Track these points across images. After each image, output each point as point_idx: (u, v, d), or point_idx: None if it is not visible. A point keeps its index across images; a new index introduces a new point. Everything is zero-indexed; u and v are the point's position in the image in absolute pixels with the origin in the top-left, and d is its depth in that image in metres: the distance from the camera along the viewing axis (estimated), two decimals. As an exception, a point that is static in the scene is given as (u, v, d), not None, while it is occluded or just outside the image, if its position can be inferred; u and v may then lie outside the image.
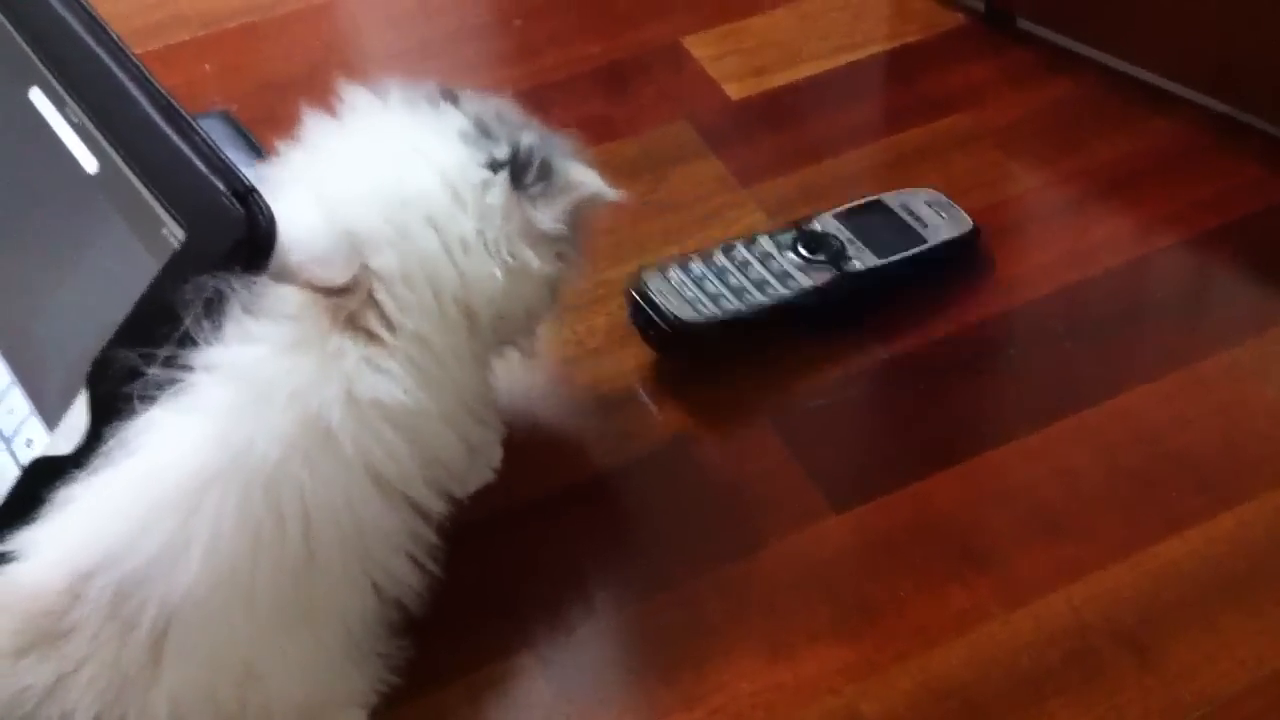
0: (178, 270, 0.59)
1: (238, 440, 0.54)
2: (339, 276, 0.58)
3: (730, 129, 0.92)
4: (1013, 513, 0.71)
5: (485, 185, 0.61)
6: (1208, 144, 0.89)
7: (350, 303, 0.58)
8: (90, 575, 0.53)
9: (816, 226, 0.81)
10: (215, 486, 0.54)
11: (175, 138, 0.61)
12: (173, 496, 0.54)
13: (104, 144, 0.64)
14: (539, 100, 0.93)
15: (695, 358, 0.77)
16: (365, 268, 0.58)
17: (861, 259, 0.79)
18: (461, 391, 0.62)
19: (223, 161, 0.60)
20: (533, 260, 0.62)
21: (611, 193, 0.64)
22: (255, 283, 0.57)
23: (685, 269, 0.78)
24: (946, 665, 0.65)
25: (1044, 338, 0.79)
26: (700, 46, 0.98)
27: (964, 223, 0.82)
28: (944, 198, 0.84)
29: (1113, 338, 0.79)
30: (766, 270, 0.78)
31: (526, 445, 0.72)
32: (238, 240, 0.58)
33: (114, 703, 0.53)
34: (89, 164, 0.65)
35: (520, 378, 0.74)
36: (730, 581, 0.68)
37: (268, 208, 0.58)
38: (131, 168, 0.63)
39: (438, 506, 0.61)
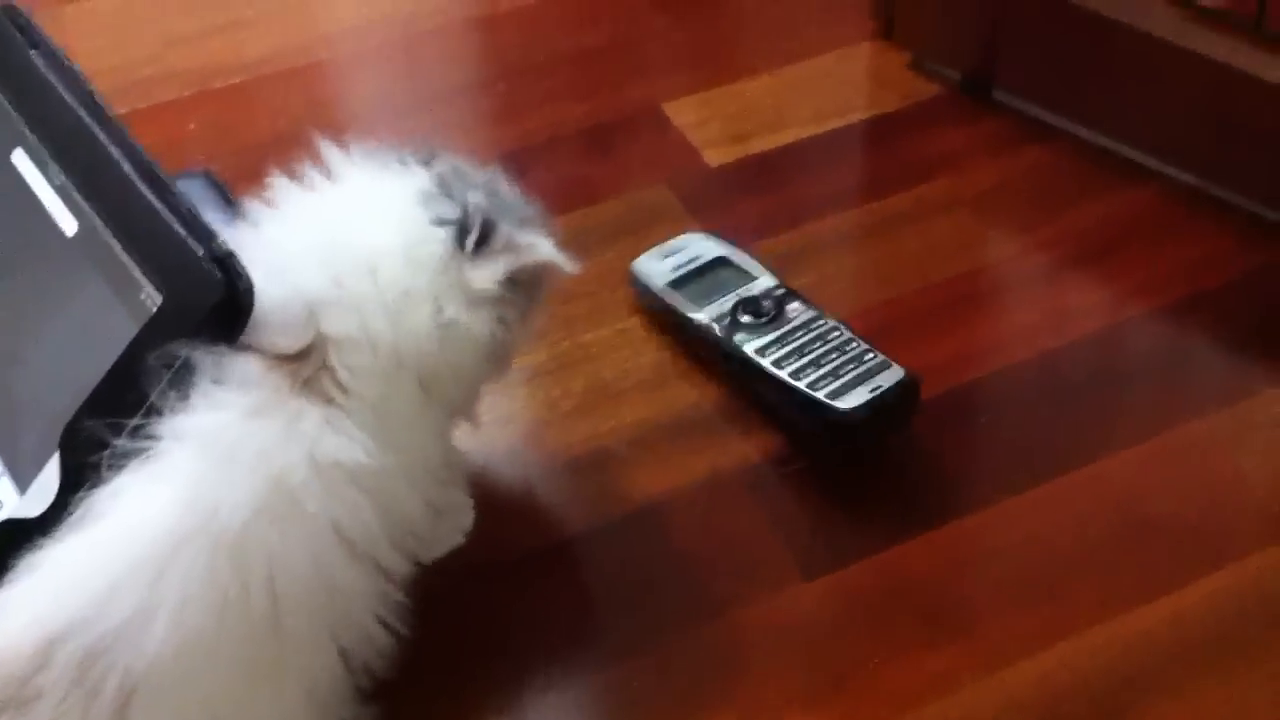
0: (155, 333, 0.59)
1: (203, 505, 0.55)
2: (294, 344, 0.58)
3: (709, 194, 0.93)
4: (986, 579, 0.71)
5: (426, 243, 0.61)
6: (1180, 215, 0.90)
7: (306, 369, 0.58)
8: (58, 640, 0.53)
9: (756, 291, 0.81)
10: (182, 551, 0.54)
11: (155, 201, 0.62)
12: (140, 561, 0.54)
13: (84, 206, 0.65)
14: (521, 162, 0.94)
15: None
16: (319, 334, 0.59)
17: (752, 344, 0.78)
18: (421, 453, 0.62)
19: (202, 225, 0.60)
20: (467, 320, 0.61)
21: (562, 261, 0.63)
22: (219, 351, 0.57)
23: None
24: (918, 733, 0.65)
25: (1018, 404, 0.80)
26: (682, 112, 0.99)
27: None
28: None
29: (1086, 404, 0.79)
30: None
31: (499, 507, 0.73)
32: (216, 304, 0.58)
33: None
34: (69, 225, 0.65)
35: (493, 439, 0.74)
36: (702, 647, 0.68)
37: (246, 273, 0.59)
38: (111, 230, 0.63)
39: (403, 568, 0.61)
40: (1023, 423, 0.79)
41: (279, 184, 0.64)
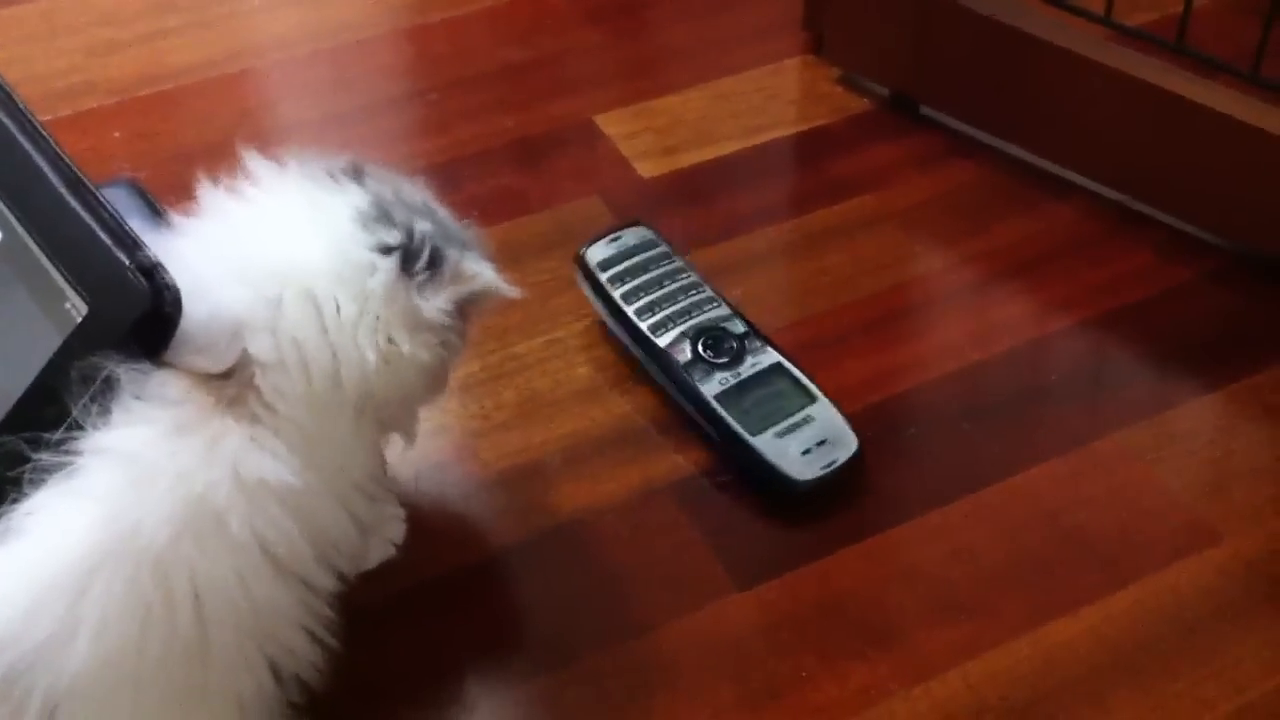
0: (80, 344, 0.58)
1: (125, 522, 0.54)
2: (219, 365, 0.58)
3: (641, 206, 0.93)
4: (914, 591, 0.72)
5: (370, 269, 0.60)
6: (1105, 229, 0.92)
7: (230, 388, 0.58)
8: None
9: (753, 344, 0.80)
10: (103, 569, 0.53)
11: (80, 210, 0.61)
12: (60, 580, 0.53)
13: (8, 215, 0.63)
14: (452, 173, 0.94)
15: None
16: (245, 353, 0.58)
17: (710, 388, 0.78)
18: (348, 470, 0.61)
19: (128, 235, 0.60)
20: (412, 348, 0.61)
21: (507, 289, 0.63)
22: (142, 366, 0.56)
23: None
24: (847, 744, 0.65)
25: (944, 417, 0.81)
26: (613, 124, 0.99)
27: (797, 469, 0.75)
28: (836, 415, 0.77)
29: (1011, 418, 0.80)
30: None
31: (430, 520, 0.72)
32: (142, 315, 0.57)
33: None
34: (-8, 234, 0.64)
35: (423, 452, 0.74)
36: (633, 659, 0.68)
37: (173, 283, 0.58)
38: (36, 239, 0.62)
39: (330, 584, 0.60)
40: (949, 436, 0.80)
41: (207, 195, 0.63)
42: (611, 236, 0.84)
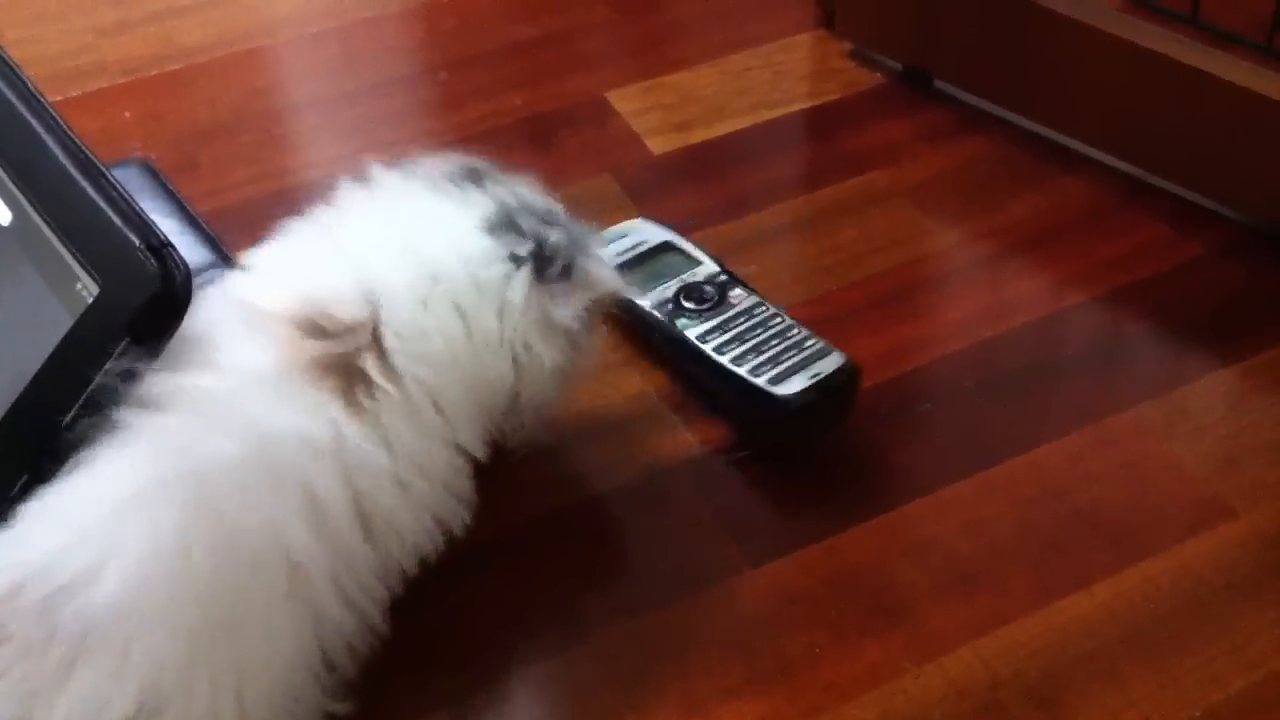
0: (91, 324, 0.59)
1: (181, 461, 0.55)
2: (350, 315, 0.59)
3: (653, 183, 0.93)
4: (926, 567, 0.72)
5: (506, 279, 0.62)
6: (1117, 203, 0.91)
7: (343, 345, 0.59)
8: (21, 587, 0.53)
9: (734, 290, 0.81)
10: (147, 503, 0.54)
11: (91, 190, 0.61)
12: (106, 512, 0.54)
13: (18, 196, 0.64)
14: (463, 151, 0.94)
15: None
16: (375, 317, 0.59)
17: (694, 330, 0.78)
18: (447, 465, 0.62)
19: (138, 215, 0.60)
20: (548, 353, 0.63)
21: (630, 290, 0.68)
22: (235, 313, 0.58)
23: None
24: (859, 720, 0.65)
25: (958, 393, 0.80)
26: (623, 101, 0.99)
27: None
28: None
29: (1024, 394, 0.80)
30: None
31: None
32: (152, 295, 0.58)
33: (24, 712, 0.53)
34: (3, 215, 0.64)
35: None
36: (644, 636, 0.68)
37: (183, 263, 0.58)
38: (46, 220, 0.62)
39: (380, 563, 0.61)
40: (961, 412, 0.79)
41: (342, 190, 0.65)
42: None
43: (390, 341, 0.60)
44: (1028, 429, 0.78)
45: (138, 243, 0.58)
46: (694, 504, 0.74)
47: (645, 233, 0.85)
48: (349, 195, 0.65)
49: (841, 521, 0.73)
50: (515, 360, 0.63)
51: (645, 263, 0.83)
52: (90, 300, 0.59)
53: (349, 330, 0.59)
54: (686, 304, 0.79)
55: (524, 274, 0.63)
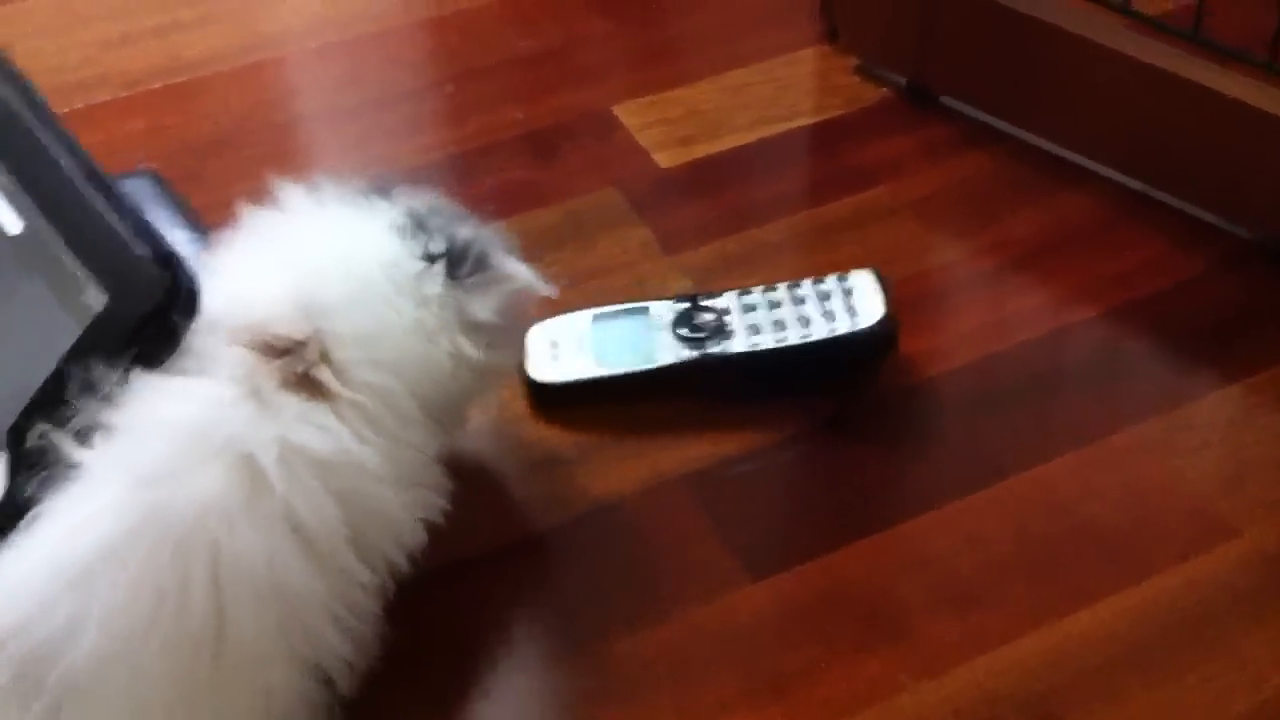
0: (99, 334, 0.59)
1: (151, 498, 0.54)
2: (297, 332, 0.59)
3: (657, 197, 0.93)
4: (926, 583, 0.72)
5: (421, 276, 0.63)
6: (1120, 219, 0.91)
7: (298, 362, 0.59)
8: (1, 645, 0.53)
9: (708, 303, 0.81)
10: (120, 551, 0.54)
11: (99, 201, 0.61)
12: (78, 565, 0.53)
13: (28, 206, 0.64)
14: (467, 166, 0.95)
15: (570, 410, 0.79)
16: (319, 330, 0.60)
17: (733, 344, 0.79)
18: (414, 462, 0.63)
19: (146, 226, 0.60)
20: (468, 349, 0.64)
21: (544, 287, 0.67)
22: (192, 340, 0.58)
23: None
24: (857, 736, 0.65)
25: (959, 408, 0.80)
26: (627, 115, 0.99)
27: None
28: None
29: (1026, 410, 0.80)
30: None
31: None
32: (160, 305, 0.58)
33: None
34: (12, 225, 0.64)
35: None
36: (643, 649, 0.68)
37: (191, 273, 0.59)
38: (54, 230, 0.62)
39: (370, 575, 0.61)
40: (962, 428, 0.80)
41: (248, 215, 0.65)
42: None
43: (338, 351, 0.60)
44: (1029, 445, 0.78)
45: (145, 252, 0.58)
46: (694, 517, 0.74)
47: (570, 324, 0.81)
48: (257, 216, 0.65)
49: (841, 536, 0.73)
50: (446, 355, 0.64)
51: (611, 340, 0.81)
52: (98, 310, 0.59)
53: (299, 345, 0.59)
54: (695, 334, 0.79)
55: (438, 270, 0.64)
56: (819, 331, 0.79)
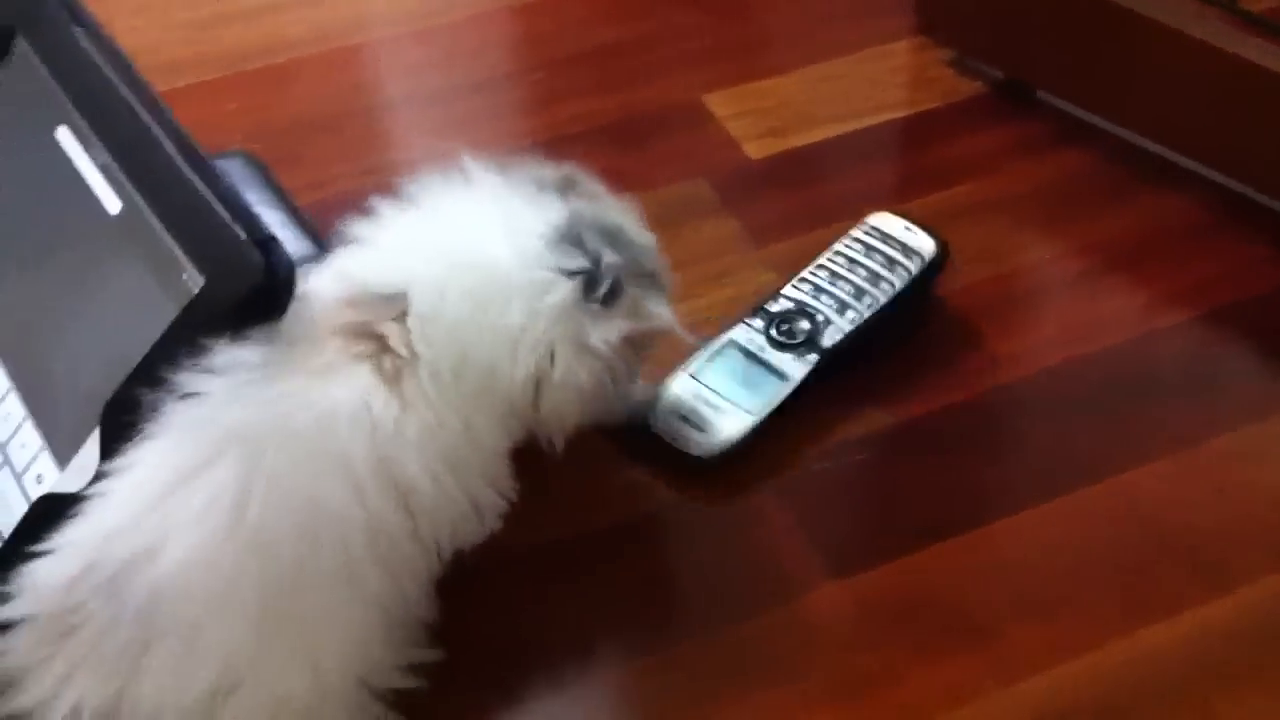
0: (196, 314, 0.60)
1: (227, 432, 0.57)
2: (379, 318, 0.60)
3: (746, 188, 0.93)
4: (1010, 587, 0.71)
5: (546, 288, 0.62)
6: (1218, 221, 0.90)
7: (373, 311, 0.60)
8: (93, 563, 0.55)
9: (778, 307, 0.81)
10: (201, 480, 0.56)
11: (198, 182, 0.62)
12: (159, 487, 0.56)
13: (127, 186, 0.65)
14: (555, 153, 0.93)
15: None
16: (405, 293, 0.61)
17: (837, 327, 0.79)
18: (476, 458, 0.63)
19: (244, 208, 0.61)
20: (575, 371, 0.63)
21: (682, 332, 0.66)
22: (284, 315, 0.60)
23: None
24: (936, 740, 0.65)
25: (1047, 411, 0.79)
26: (719, 105, 0.99)
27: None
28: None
29: (1115, 414, 0.79)
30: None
31: (529, 498, 0.73)
32: (256, 287, 0.59)
33: (111, 693, 0.55)
34: (112, 205, 0.66)
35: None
36: (726, 645, 0.68)
37: (287, 256, 0.60)
38: (154, 211, 0.64)
39: (421, 556, 0.62)
40: (1051, 430, 0.79)
41: (420, 182, 0.66)
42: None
43: (412, 319, 0.61)
44: (1118, 450, 0.77)
45: (243, 236, 0.59)
46: (778, 515, 0.74)
47: (678, 395, 0.78)
48: (432, 186, 0.66)
49: (926, 537, 0.73)
50: (538, 367, 0.63)
51: (733, 385, 0.78)
52: (195, 291, 0.60)
53: (377, 303, 0.61)
54: (800, 338, 0.79)
55: (567, 286, 0.63)
56: (898, 279, 0.80)
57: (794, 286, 0.82)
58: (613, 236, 0.65)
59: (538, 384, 0.63)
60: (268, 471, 0.56)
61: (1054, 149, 0.95)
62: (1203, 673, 0.67)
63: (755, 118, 0.98)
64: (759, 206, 0.91)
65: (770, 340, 0.79)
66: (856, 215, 0.90)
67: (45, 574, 0.56)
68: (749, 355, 0.79)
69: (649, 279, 0.66)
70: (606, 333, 0.63)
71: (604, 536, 0.74)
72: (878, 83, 1.01)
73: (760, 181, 0.94)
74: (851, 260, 0.82)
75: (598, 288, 0.63)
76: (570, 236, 0.64)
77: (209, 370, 0.58)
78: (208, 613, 0.56)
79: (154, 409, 0.58)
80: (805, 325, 0.79)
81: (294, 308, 0.61)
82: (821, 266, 0.82)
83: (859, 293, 0.80)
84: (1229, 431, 0.78)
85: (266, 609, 0.57)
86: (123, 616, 0.55)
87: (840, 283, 0.81)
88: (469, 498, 0.63)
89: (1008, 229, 0.90)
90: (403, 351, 0.60)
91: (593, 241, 0.64)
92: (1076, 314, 0.85)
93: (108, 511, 0.57)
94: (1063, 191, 0.92)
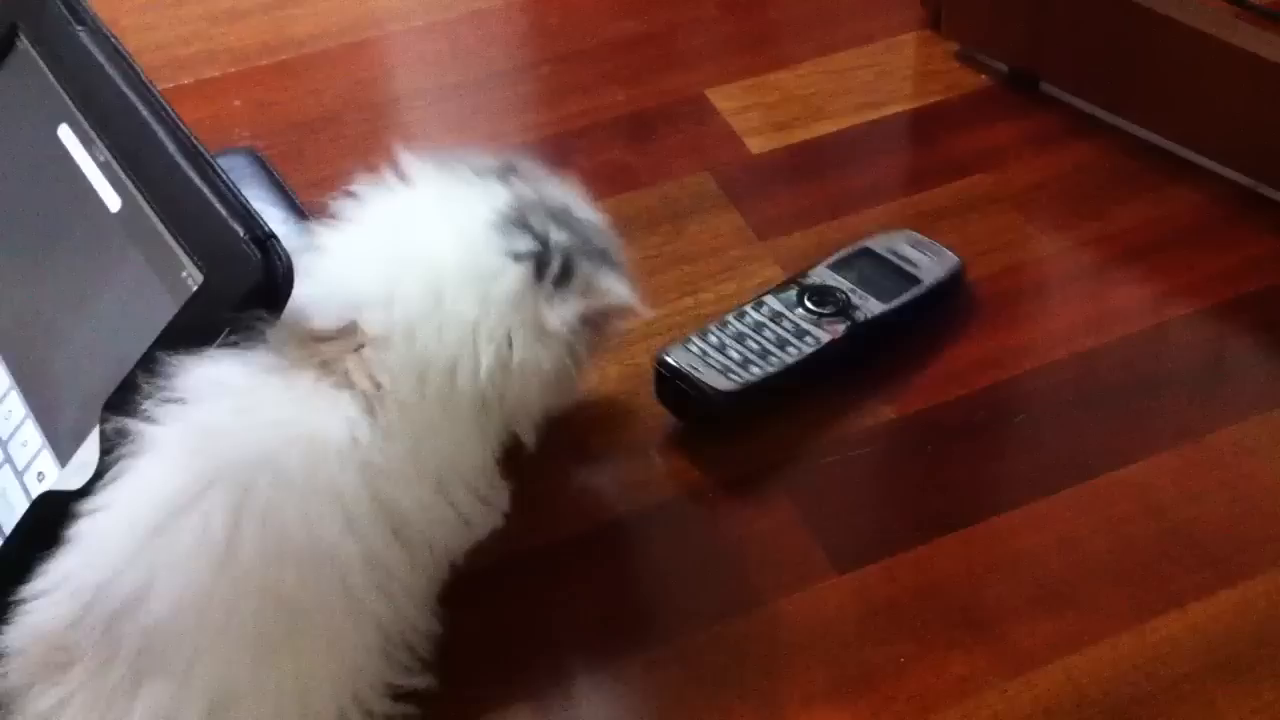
0: (195, 312, 0.60)
1: (217, 464, 0.56)
2: (328, 324, 0.60)
3: (751, 182, 0.93)
4: (1015, 580, 0.71)
5: (497, 274, 0.61)
6: (1227, 215, 0.89)
7: (332, 350, 0.59)
8: (89, 607, 0.55)
9: (816, 280, 0.81)
10: (187, 511, 0.55)
11: (198, 180, 0.62)
12: (151, 524, 0.55)
13: (128, 183, 0.65)
14: (562, 147, 0.95)
15: (728, 425, 0.77)
16: (354, 324, 0.60)
17: (867, 306, 0.80)
18: (453, 462, 0.62)
19: (244, 206, 0.61)
20: (532, 355, 0.62)
21: (639, 306, 0.65)
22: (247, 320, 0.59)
23: (705, 339, 0.78)
24: (942, 734, 0.65)
25: (1055, 404, 0.79)
26: (724, 99, 0.99)
27: (950, 260, 0.84)
28: (924, 237, 0.85)
29: (1123, 407, 0.79)
30: (782, 330, 0.78)
31: (531, 491, 0.73)
32: (255, 285, 0.59)
33: None
34: (112, 202, 0.66)
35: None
36: (730, 639, 0.68)
37: (286, 254, 0.60)
38: (154, 208, 0.64)
39: (405, 568, 0.61)
40: (1059, 423, 0.78)
41: (360, 185, 0.65)
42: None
43: (367, 350, 0.60)
44: (1126, 444, 0.76)
45: (242, 233, 0.59)
46: (782, 507, 0.74)
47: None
48: (368, 194, 0.65)
49: (931, 530, 0.72)
50: (497, 357, 0.61)
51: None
52: (194, 288, 0.60)
53: (334, 337, 0.60)
54: (829, 308, 0.79)
55: (518, 271, 0.62)
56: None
57: (825, 269, 0.82)
58: (559, 216, 0.64)
59: (501, 373, 0.62)
60: (260, 510, 0.55)
61: (1062, 142, 0.95)
62: (1208, 664, 0.66)
63: (760, 112, 0.98)
64: (763, 201, 0.91)
65: (801, 308, 0.79)
66: (860, 209, 0.90)
67: (40, 616, 0.56)
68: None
69: (600, 255, 0.64)
70: (562, 313, 0.62)
71: (606, 530, 0.73)
72: (884, 76, 1.00)
73: (765, 176, 0.93)
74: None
75: (548, 269, 0.62)
76: (516, 220, 0.63)
77: (190, 393, 0.57)
78: (198, 651, 0.55)
79: (131, 432, 0.57)
80: (839, 297, 0.80)
81: (273, 331, 0.60)
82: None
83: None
84: (1236, 424, 0.77)
85: (261, 644, 0.56)
86: (116, 657, 0.54)
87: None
88: (460, 515, 0.62)
89: (1016, 221, 0.90)
90: (367, 385, 0.59)
91: (539, 223, 0.63)
92: (1085, 306, 0.85)
93: (99, 551, 0.56)
94: (1072, 184, 0.92)
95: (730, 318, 0.79)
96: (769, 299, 0.80)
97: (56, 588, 0.56)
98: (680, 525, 0.74)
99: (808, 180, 0.93)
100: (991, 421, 0.78)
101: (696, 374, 0.76)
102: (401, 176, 0.65)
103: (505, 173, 0.65)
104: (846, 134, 0.96)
